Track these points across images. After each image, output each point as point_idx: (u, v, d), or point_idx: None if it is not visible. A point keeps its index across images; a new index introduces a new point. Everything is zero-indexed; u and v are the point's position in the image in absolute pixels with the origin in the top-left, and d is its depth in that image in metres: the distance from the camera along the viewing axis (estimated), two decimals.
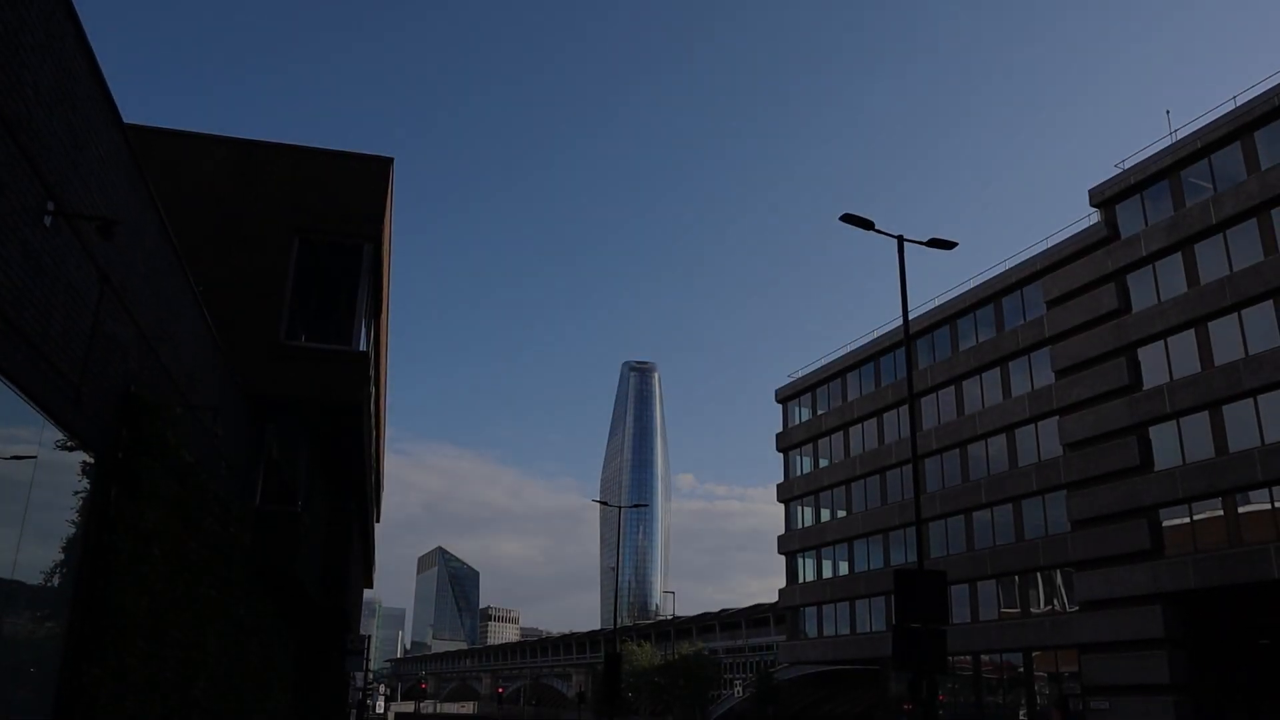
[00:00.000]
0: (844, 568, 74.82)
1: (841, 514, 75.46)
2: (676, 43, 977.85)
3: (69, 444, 10.24)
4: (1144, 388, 50.78)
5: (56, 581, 10.28)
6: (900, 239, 27.65)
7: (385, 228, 22.96)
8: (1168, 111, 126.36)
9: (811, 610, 78.29)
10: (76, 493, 10.67)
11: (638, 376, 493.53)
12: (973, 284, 64.35)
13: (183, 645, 13.73)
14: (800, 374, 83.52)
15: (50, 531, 10.16)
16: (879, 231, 28.10)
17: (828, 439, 78.53)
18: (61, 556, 10.35)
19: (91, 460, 10.88)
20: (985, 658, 59.80)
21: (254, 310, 20.37)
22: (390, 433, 53.51)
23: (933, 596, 21.37)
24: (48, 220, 8.80)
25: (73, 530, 10.57)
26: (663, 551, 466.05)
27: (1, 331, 8.13)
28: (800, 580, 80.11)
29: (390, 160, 23.01)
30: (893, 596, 65.15)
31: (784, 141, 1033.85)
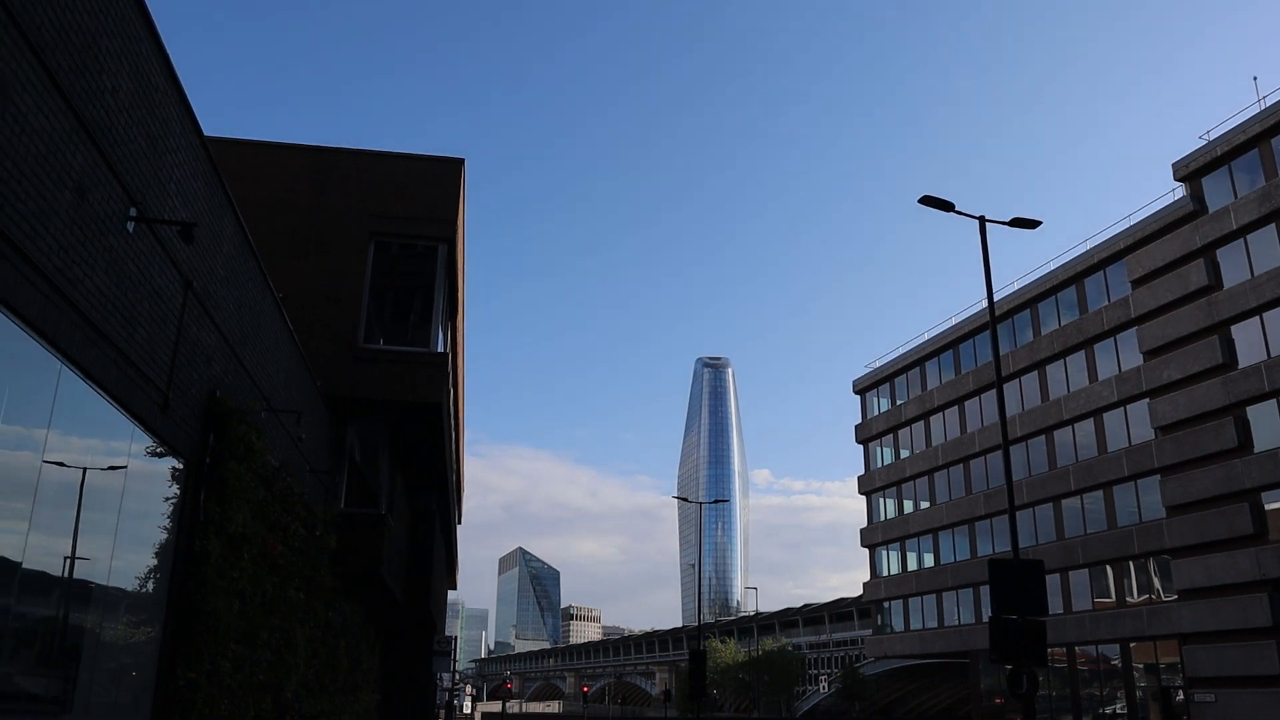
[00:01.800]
0: (929, 560, 73.61)
1: (925, 505, 74.25)
2: (738, 38, 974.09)
3: (158, 450, 10.30)
4: (1239, 366, 49.06)
5: (151, 587, 10.35)
6: (982, 219, 26.90)
7: (459, 229, 22.98)
8: (1255, 78, 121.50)
9: (897, 604, 77.19)
10: (167, 499, 10.74)
11: (711, 372, 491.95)
12: (1053, 266, 62.84)
13: (273, 648, 13.81)
14: (878, 364, 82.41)
15: (143, 538, 10.22)
16: (959, 213, 27.38)
17: (908, 429, 77.33)
18: (155, 562, 10.42)
19: (180, 466, 10.94)
20: (1080, 649, 58.32)
21: (333, 314, 20.51)
22: (468, 435, 53.65)
23: (1030, 587, 20.69)
24: (130, 226, 8.83)
25: (164, 536, 10.64)
26: (742, 548, 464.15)
27: (90, 339, 8.15)
28: (884, 573, 79.06)
29: (461, 161, 23.03)
30: (982, 588, 64.06)
31: (854, 127, 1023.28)
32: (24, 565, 7.70)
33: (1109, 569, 56.52)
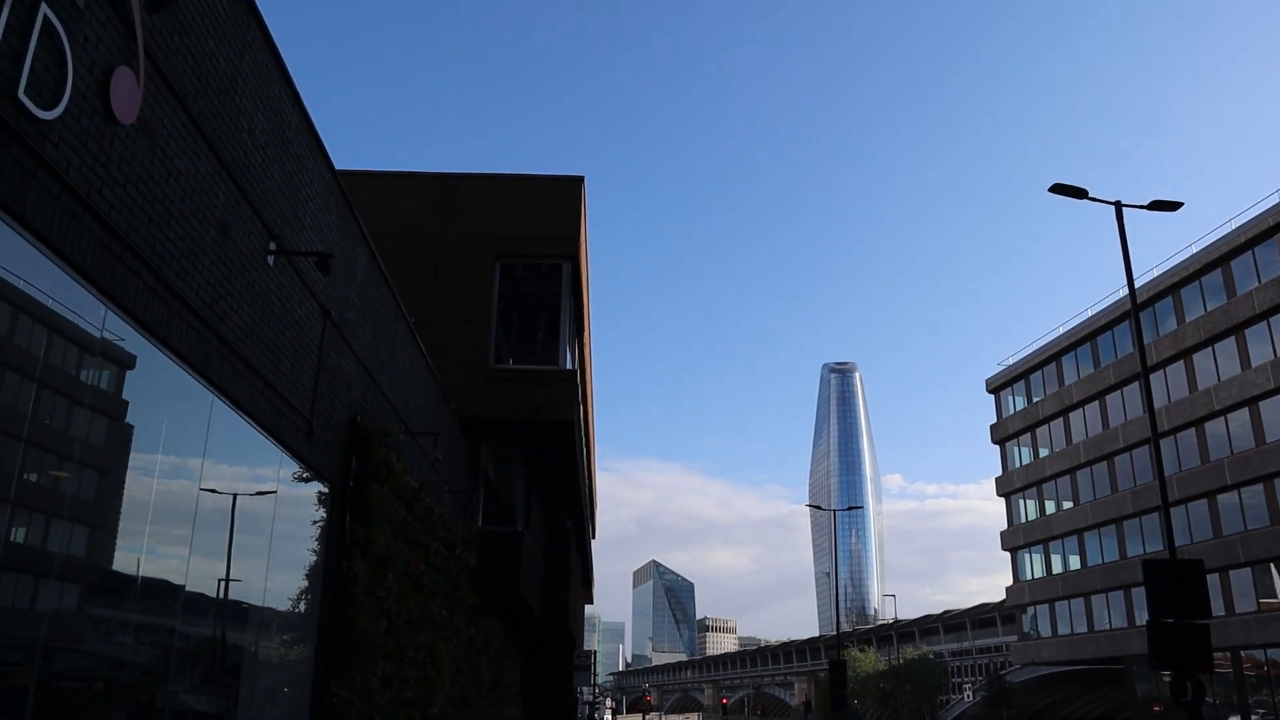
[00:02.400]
0: (1075, 562, 71.08)
1: (1068, 505, 71.78)
2: (855, 46, 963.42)
3: (305, 475, 10.65)
4: None
5: (303, 607, 10.69)
6: (1118, 204, 25.84)
7: (581, 246, 23.23)
8: None
9: (1042, 608, 74.77)
10: (314, 522, 11.10)
11: (838, 378, 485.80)
12: (1194, 249, 60.10)
13: (419, 664, 14.11)
14: (1011, 361, 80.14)
15: (294, 560, 10.58)
16: (1094, 199, 26.36)
17: (1046, 427, 74.93)
18: (305, 583, 10.77)
19: (326, 490, 11.30)
20: (1245, 654, 55.45)
21: (463, 336, 20.94)
22: (598, 450, 54.10)
23: (1189, 588, 19.63)
24: (270, 260, 9.17)
25: (313, 558, 10.99)
26: (877, 554, 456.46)
27: (239, 371, 8.49)
28: (1028, 577, 76.70)
29: (581, 179, 23.29)
30: (1135, 590, 61.34)
31: (974, 122, 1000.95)
32: (186, 588, 8.05)
33: (1273, 567, 53.66)
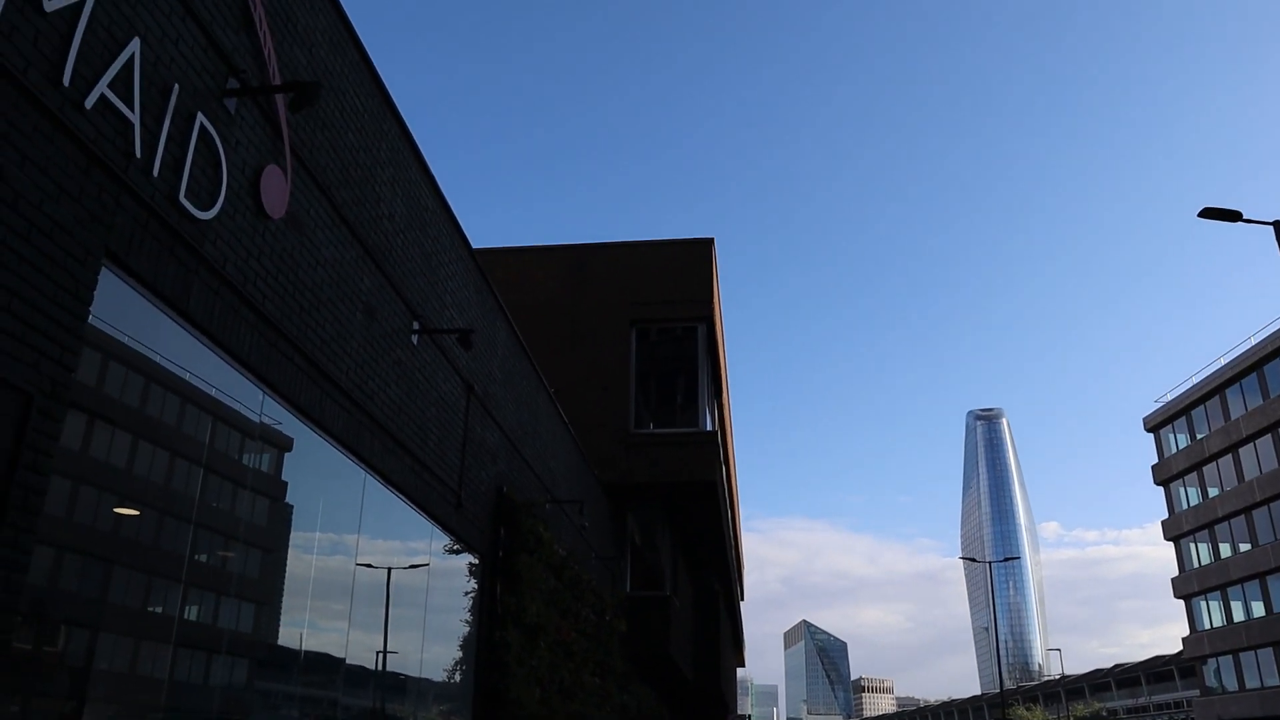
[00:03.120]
0: (1259, 608, 66.67)
1: (1245, 547, 67.61)
2: (964, 83, 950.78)
3: (455, 548, 10.86)
4: None
5: (458, 678, 10.84)
6: (1277, 224, 24.62)
7: (715, 307, 23.31)
8: None
9: (1226, 659, 70.27)
10: (466, 593, 11.28)
11: (984, 425, 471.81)
12: None
13: None
14: (1170, 397, 76.41)
15: (448, 631, 10.76)
16: (1249, 221, 25.14)
17: (1214, 464, 70.95)
18: (460, 654, 10.93)
19: (476, 561, 11.49)
20: None
21: (603, 403, 21.16)
22: (742, 510, 53.75)
23: None
24: (414, 339, 9.47)
25: (467, 629, 11.15)
26: (1037, 607, 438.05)
27: (389, 448, 8.75)
28: (1205, 626, 72.33)
29: (710, 241, 23.44)
30: None
31: (1112, 151, 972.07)
32: (347, 661, 8.26)
33: None
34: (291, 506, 7.57)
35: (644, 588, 23.13)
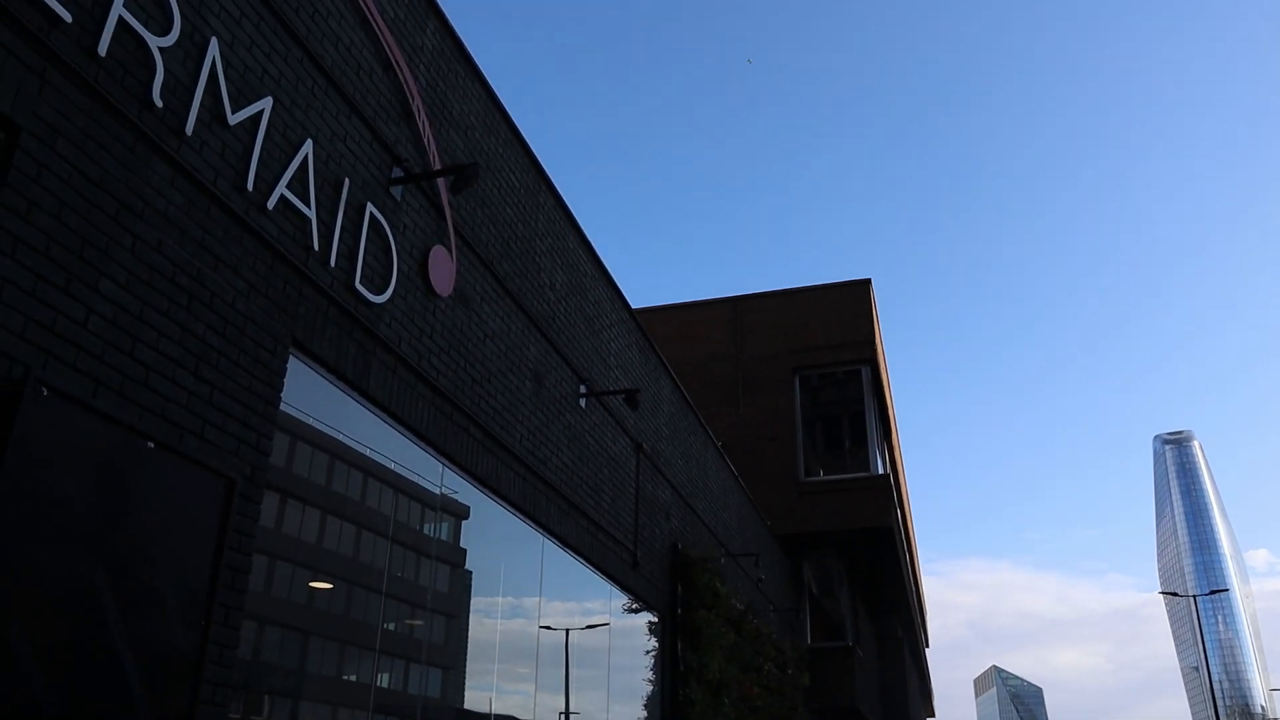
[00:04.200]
0: None
1: None
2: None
3: (634, 606, 10.93)
4: None
5: None
6: None
7: (877, 347, 22.96)
8: None
9: None
10: (647, 651, 11.32)
11: (1174, 450, 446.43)
12: None
13: None
14: None
15: (631, 690, 10.80)
16: None
17: None
18: (644, 713, 10.94)
19: (655, 619, 11.52)
20: None
21: (771, 453, 21.03)
22: (920, 553, 52.25)
23: None
24: (582, 402, 9.66)
25: (650, 688, 11.16)
26: (1253, 641, 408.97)
27: (565, 512, 8.92)
28: None
29: (868, 281, 23.16)
30: None
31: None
32: None
33: None
34: (470, 573, 7.77)
35: (825, 639, 22.70)
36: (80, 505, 3.91)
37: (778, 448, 21.19)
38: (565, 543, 9.04)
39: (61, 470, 3.85)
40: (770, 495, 20.02)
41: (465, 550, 7.73)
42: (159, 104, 4.51)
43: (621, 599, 10.63)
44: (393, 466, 6.60)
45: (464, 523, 7.67)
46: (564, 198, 9.64)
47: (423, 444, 6.75)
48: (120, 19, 4.33)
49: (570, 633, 9.45)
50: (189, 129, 4.68)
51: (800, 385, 22.19)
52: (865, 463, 22.08)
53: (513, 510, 8.07)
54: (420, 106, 6.97)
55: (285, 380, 5.25)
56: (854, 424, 22.97)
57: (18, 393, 3.67)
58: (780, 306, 23.22)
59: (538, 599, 8.69)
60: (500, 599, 8.21)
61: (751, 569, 15.78)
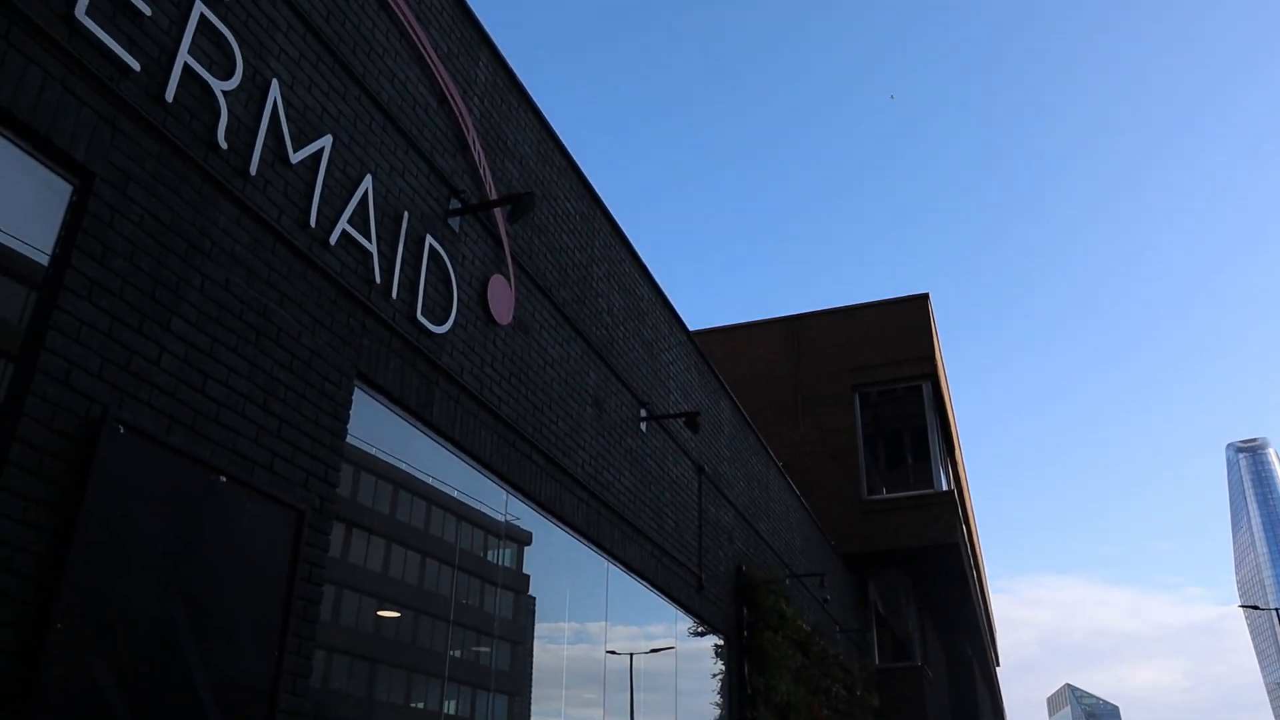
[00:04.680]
0: None
1: None
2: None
3: (699, 630, 10.88)
4: None
5: None
6: None
7: (938, 362, 22.72)
8: None
9: None
10: (714, 675, 11.25)
11: (1248, 458, 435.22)
12: None
13: None
14: None
15: (698, 714, 10.74)
16: None
17: None
18: None
19: (721, 642, 11.46)
20: None
21: (832, 472, 20.88)
22: (988, 571, 51.38)
23: None
24: (643, 426, 9.67)
25: (717, 711, 11.10)
26: None
27: (628, 536, 8.92)
28: None
29: (926, 296, 22.96)
30: None
31: None
32: None
33: None
34: (534, 599, 7.80)
35: (893, 659, 22.42)
36: (157, 539, 4.00)
37: (839, 466, 21.03)
38: (630, 567, 9.04)
39: (139, 506, 3.94)
40: (833, 514, 19.86)
41: (528, 576, 7.77)
42: (224, 146, 4.63)
43: (687, 622, 10.60)
44: (456, 494, 6.66)
45: (526, 549, 7.70)
46: (619, 222, 9.70)
47: (487, 472, 6.80)
48: (185, 65, 4.45)
49: (636, 657, 9.43)
50: (253, 169, 4.79)
51: (860, 402, 22.02)
52: (929, 479, 21.82)
53: (577, 535, 8.10)
54: (475, 138, 7.07)
55: (350, 412, 5.33)
56: (916, 440, 22.74)
57: (96, 432, 3.77)
58: (838, 324, 23.09)
59: (603, 624, 8.70)
60: (565, 624, 8.23)
61: (817, 589, 15.64)
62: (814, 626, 14.42)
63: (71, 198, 3.93)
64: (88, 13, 3.98)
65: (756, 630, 12.02)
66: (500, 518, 7.12)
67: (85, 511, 3.69)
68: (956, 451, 28.42)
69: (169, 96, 4.34)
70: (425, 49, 6.55)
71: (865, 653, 19.76)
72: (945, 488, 21.65)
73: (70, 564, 3.61)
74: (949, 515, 20.38)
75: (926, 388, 22.05)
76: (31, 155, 3.80)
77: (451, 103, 6.81)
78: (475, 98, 7.24)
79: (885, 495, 21.47)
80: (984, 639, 32.73)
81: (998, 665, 54.10)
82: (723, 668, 11.46)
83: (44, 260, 3.79)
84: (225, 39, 4.74)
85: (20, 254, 3.77)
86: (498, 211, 7.20)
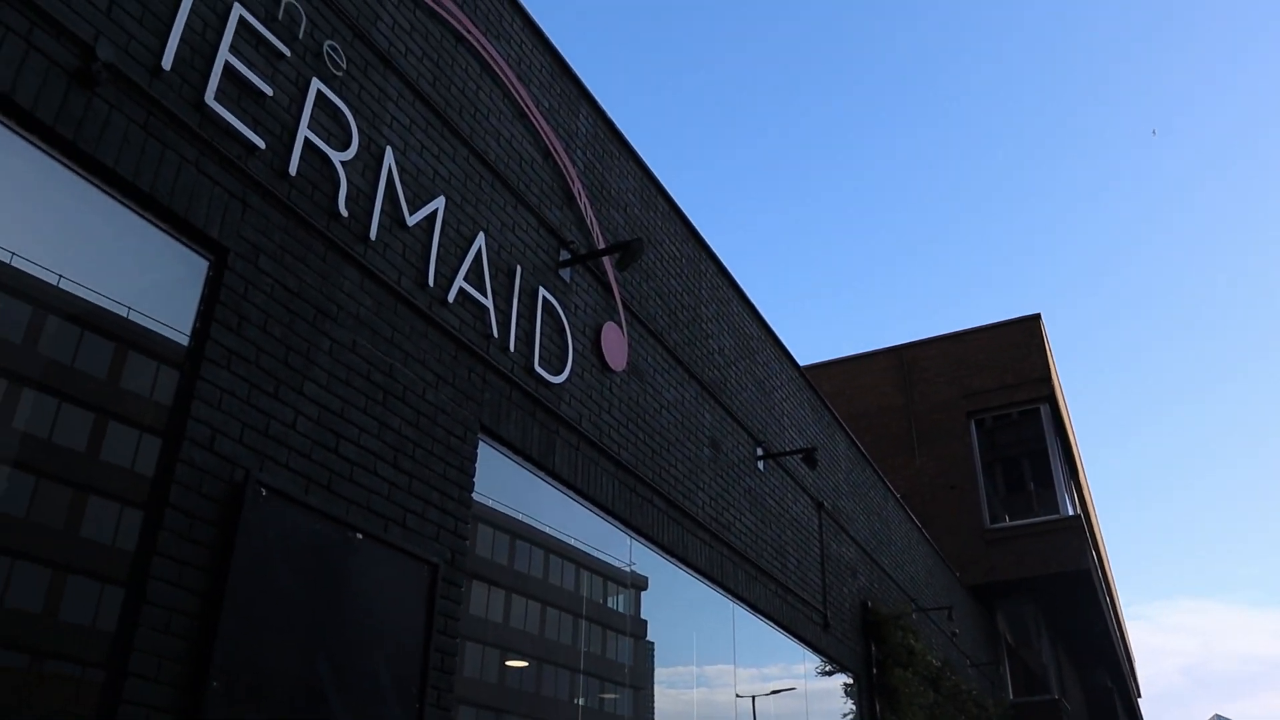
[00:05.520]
0: None
1: None
2: None
3: (828, 669, 10.71)
4: None
5: None
6: None
7: (1054, 384, 22.13)
8: None
9: None
10: (844, 715, 11.05)
11: None
12: None
13: None
14: None
15: None
16: None
17: None
18: None
19: (850, 680, 11.26)
20: None
21: (952, 501, 20.44)
22: (1121, 597, 49.41)
23: None
24: (760, 465, 9.62)
25: None
26: None
27: (751, 575, 8.86)
28: None
29: (1037, 316, 22.42)
30: None
31: None
32: None
33: None
34: (653, 644, 7.77)
35: (1028, 692, 21.70)
36: (300, 597, 4.12)
37: (959, 496, 20.57)
38: (754, 607, 8.96)
39: (282, 565, 4.07)
40: (956, 545, 19.42)
41: (646, 621, 7.75)
42: (345, 214, 4.80)
43: (814, 661, 10.44)
44: (574, 542, 6.70)
45: (646, 594, 7.70)
46: (724, 263, 9.73)
47: (610, 518, 6.84)
48: (306, 139, 4.64)
49: (764, 699, 9.32)
50: (373, 234, 4.96)
51: (975, 429, 21.55)
52: (1053, 505, 21.18)
53: (700, 578, 8.07)
54: (580, 189, 7.19)
55: (476, 465, 5.43)
56: (1036, 465, 22.13)
57: (240, 495, 3.91)
58: (948, 351, 22.69)
59: (730, 666, 8.62)
60: (691, 668, 8.18)
61: (945, 623, 15.28)
62: (944, 661, 14.06)
63: (208, 273, 4.12)
64: (216, 98, 4.19)
65: (886, 667, 11.78)
66: (622, 565, 7.14)
67: (234, 572, 3.82)
68: (1080, 475, 27.57)
69: (292, 170, 4.52)
70: (528, 106, 6.71)
71: (998, 687, 19.18)
72: (1071, 512, 20.99)
73: (222, 624, 3.74)
74: (1077, 541, 19.75)
75: (1044, 410, 21.48)
76: (172, 235, 4.00)
77: (556, 156, 6.95)
78: (578, 150, 7.37)
79: (1008, 523, 20.91)
80: (1123, 669, 31.47)
81: (1139, 696, 51.87)
82: (853, 707, 11.25)
83: (184, 333, 3.98)
84: (341, 112, 4.93)
85: (159, 333, 3.96)
86: (607, 260, 7.29)
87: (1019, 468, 22.86)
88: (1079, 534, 19.92)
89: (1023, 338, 22.12)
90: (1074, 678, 27.09)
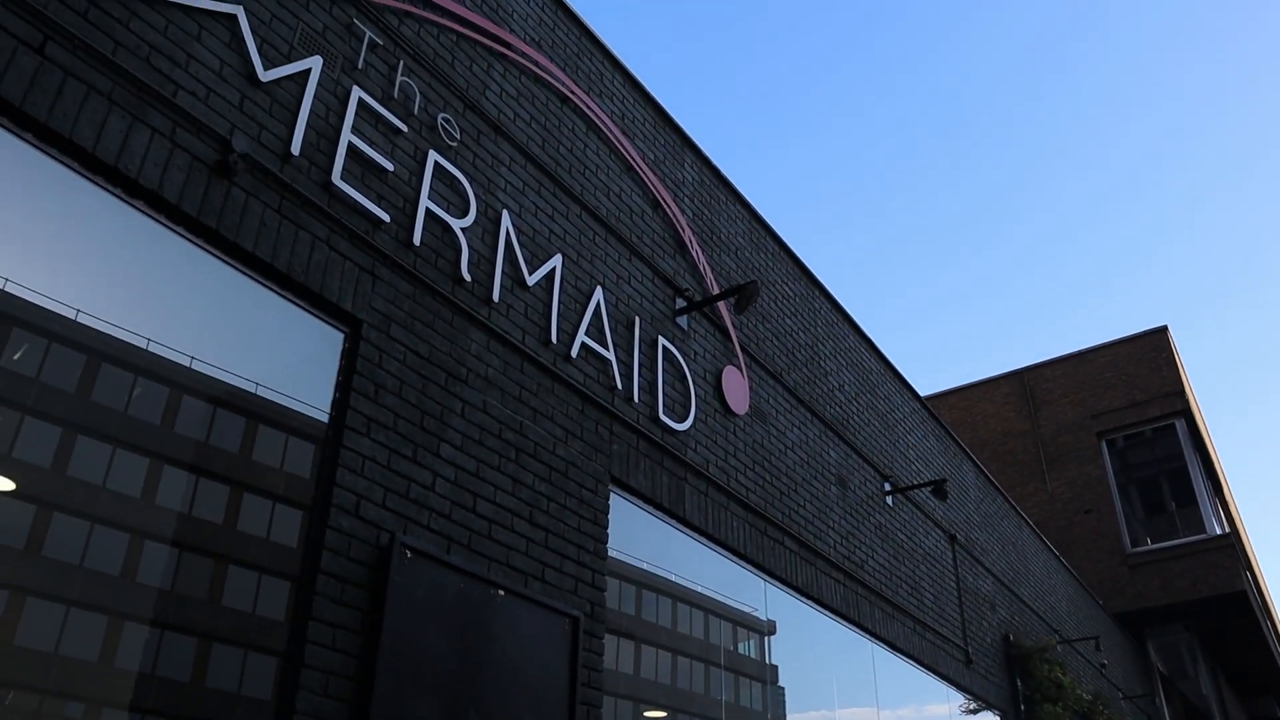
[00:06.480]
0: None
1: None
2: None
3: (973, 707, 10.40)
4: None
5: None
6: None
7: (1189, 398, 21.28)
8: None
9: None
10: None
11: None
12: None
13: None
14: None
15: None
16: None
17: None
18: None
19: (997, 718, 10.91)
20: None
21: (1089, 527, 19.76)
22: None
23: None
24: (889, 500, 9.47)
25: None
26: None
27: (887, 613, 8.69)
28: None
29: (1164, 328, 21.65)
30: None
31: None
32: None
33: None
34: (784, 689, 7.64)
35: None
36: (447, 655, 4.20)
37: (1095, 520, 19.87)
38: (894, 647, 8.78)
39: (429, 624, 4.16)
40: (1096, 572, 18.75)
41: (776, 666, 7.64)
42: (468, 278, 4.93)
43: (959, 699, 10.16)
44: (703, 589, 6.68)
45: (775, 638, 7.60)
46: (837, 298, 9.67)
47: (743, 562, 6.81)
48: (428, 210, 4.80)
49: None
50: (495, 296, 5.08)
51: (1108, 450, 20.83)
52: (1198, 524, 20.29)
53: (836, 618, 7.95)
54: (691, 237, 7.25)
55: (609, 516, 5.47)
56: (1175, 484, 21.25)
57: (387, 558, 4.02)
58: (1072, 371, 22.04)
59: (873, 709, 8.44)
60: (834, 712, 8.03)
61: (1092, 654, 14.71)
62: (1095, 695, 13.53)
63: (344, 344, 4.28)
64: (342, 177, 4.37)
65: (1034, 703, 11.39)
66: (750, 610, 7.09)
67: (385, 633, 3.93)
68: (1226, 491, 26.38)
69: (416, 240, 4.68)
70: (634, 160, 6.82)
71: (1156, 718, 18.34)
72: (1219, 531, 20.07)
73: (377, 685, 3.84)
74: (1228, 561, 18.86)
75: (1180, 425, 20.66)
76: (309, 311, 4.17)
77: (665, 206, 7.03)
78: (686, 198, 7.45)
79: (1151, 546, 20.09)
80: None
81: None
82: None
83: (325, 403, 4.13)
84: (458, 180, 5.09)
85: (296, 410, 4.12)
86: (723, 305, 7.33)
87: (1157, 487, 21.98)
88: (1230, 554, 19.03)
89: (1150, 352, 21.38)
90: (1239, 709, 25.74)
